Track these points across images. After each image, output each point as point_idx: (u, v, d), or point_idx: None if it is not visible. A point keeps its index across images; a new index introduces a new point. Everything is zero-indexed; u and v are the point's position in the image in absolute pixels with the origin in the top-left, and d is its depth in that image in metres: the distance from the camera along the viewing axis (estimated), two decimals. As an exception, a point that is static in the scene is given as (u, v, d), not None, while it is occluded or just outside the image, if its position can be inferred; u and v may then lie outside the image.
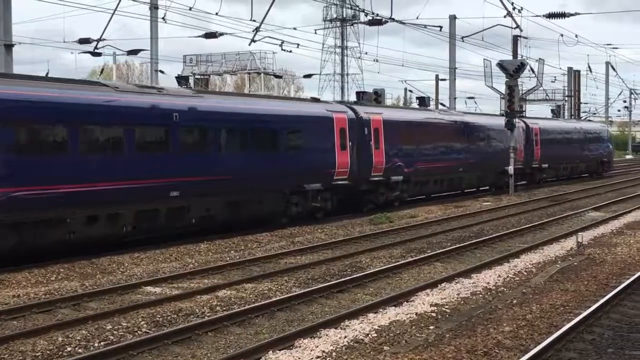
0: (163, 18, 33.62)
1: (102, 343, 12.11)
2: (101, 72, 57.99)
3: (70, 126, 19.61)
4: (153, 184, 21.55)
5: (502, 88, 42.42)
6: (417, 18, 52.53)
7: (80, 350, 11.66)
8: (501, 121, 42.94)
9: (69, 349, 11.74)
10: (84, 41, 39.98)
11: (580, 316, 13.14)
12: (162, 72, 39.79)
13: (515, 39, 43.07)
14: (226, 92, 25.75)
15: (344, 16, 80.00)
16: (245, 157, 24.98)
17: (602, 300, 14.38)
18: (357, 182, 30.40)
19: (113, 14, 34.66)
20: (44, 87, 19.78)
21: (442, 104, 63.38)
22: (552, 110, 67.12)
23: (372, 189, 32.06)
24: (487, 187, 42.73)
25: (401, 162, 33.32)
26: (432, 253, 20.84)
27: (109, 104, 20.87)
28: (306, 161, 27.57)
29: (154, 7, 35.36)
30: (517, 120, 43.97)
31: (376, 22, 38.19)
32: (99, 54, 39.29)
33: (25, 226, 18.59)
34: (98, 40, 37.29)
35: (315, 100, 31.94)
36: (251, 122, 25.52)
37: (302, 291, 15.79)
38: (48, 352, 11.53)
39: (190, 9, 31.57)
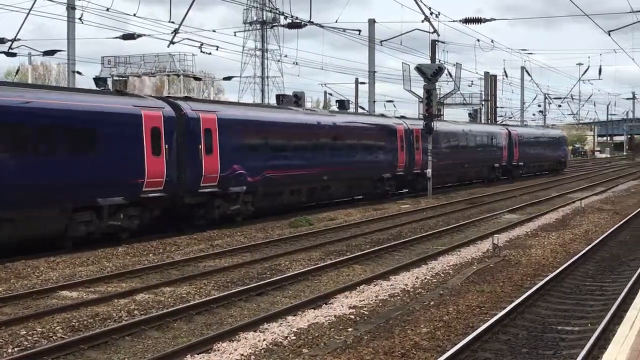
0: (80, 19, 33.11)
1: (15, 349, 11.87)
2: (16, 72, 56.93)
3: (287, 135, 31.63)
4: (317, 171, 33.09)
5: (421, 92, 42.88)
6: (336, 22, 52.81)
7: (-7, 357, 11.43)
8: (488, 128, 58.48)
9: (-19, 355, 11.50)
10: (-3, 41, 39.11)
11: (496, 317, 13.36)
12: (79, 73, 39.20)
13: (434, 44, 43.50)
14: (345, 111, 41.55)
15: (264, 19, 79.89)
16: (357, 155, 36.87)
17: (516, 301, 14.64)
18: (407, 174, 42.01)
19: (28, 13, 34.02)
20: (275, 112, 32.99)
21: (361, 107, 63.78)
22: (470, 114, 68.10)
23: (414, 179, 43.10)
24: (481, 180, 53.44)
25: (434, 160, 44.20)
26: (351, 255, 20.96)
27: (301, 122, 33.18)
28: (383, 158, 39.41)
29: (70, 8, 34.78)
30: (502, 127, 60.82)
31: (296, 25, 38.23)
32: (14, 54, 38.53)
33: (269, 195, 30.21)
34: (13, 40, 36.55)
35: (382, 115, 45.96)
36: (362, 131, 38.09)
37: (221, 294, 15.73)
38: (-41, 358, 11.27)
39: (107, 9, 31.19)
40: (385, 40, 45.71)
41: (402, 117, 48.07)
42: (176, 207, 25.68)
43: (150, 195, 24.00)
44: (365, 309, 14.74)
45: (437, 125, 45.97)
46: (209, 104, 29.20)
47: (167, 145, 24.50)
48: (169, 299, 15.56)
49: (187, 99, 28.38)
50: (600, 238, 23.96)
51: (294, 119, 32.78)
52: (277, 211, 30.95)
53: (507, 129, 59.33)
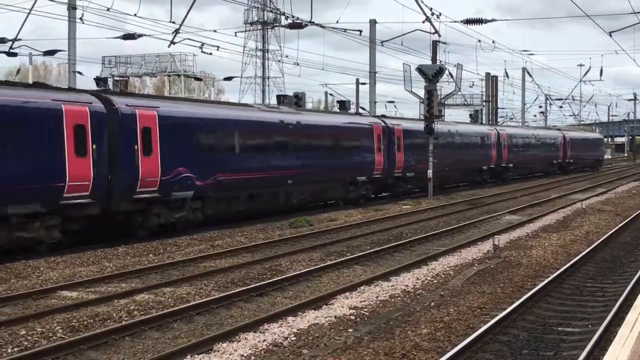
0: (81, 18, 33.08)
1: (15, 349, 11.86)
2: (17, 72, 56.92)
3: (413, 141, 43.03)
4: (443, 163, 44.00)
5: (422, 92, 42.80)
6: (337, 22, 52.76)
7: (-8, 357, 11.42)
8: (550, 132, 72.10)
9: (-19, 355, 11.48)
10: (-2, 41, 39.00)
11: (497, 318, 13.34)
12: (80, 73, 39.15)
13: (435, 44, 43.46)
14: (463, 122, 56.79)
15: (265, 19, 79.81)
16: (466, 152, 50.19)
17: (517, 302, 14.62)
18: (497, 167, 55.82)
19: (29, 13, 33.88)
20: (415, 122, 46.24)
21: (362, 107, 63.67)
22: (470, 115, 68.04)
23: (502, 171, 56.71)
24: (542, 173, 67.03)
25: (512, 156, 58.76)
26: (351, 256, 20.94)
27: (442, 131, 45.32)
28: (483, 155, 53.34)
29: (71, 8, 34.73)
30: (558, 131, 73.98)
31: (297, 25, 38.18)
32: (15, 54, 38.45)
33: (419, 180, 42.81)
34: (13, 40, 36.46)
35: (473, 122, 60.41)
36: (473, 136, 52.64)
37: (221, 295, 15.71)
38: (-41, 358, 11.26)
39: (108, 9, 31.16)
40: (386, 41, 45.67)
41: (494, 124, 66.56)
42: (383, 183, 40.80)
43: (376, 176, 39.18)
44: (365, 309, 14.73)
45: (517, 130, 63.52)
46: (395, 120, 44.52)
47: (382, 145, 39.28)
48: (169, 300, 15.55)
49: (383, 116, 44.41)
50: (601, 239, 23.93)
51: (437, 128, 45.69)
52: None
53: (562, 133, 73.01)
